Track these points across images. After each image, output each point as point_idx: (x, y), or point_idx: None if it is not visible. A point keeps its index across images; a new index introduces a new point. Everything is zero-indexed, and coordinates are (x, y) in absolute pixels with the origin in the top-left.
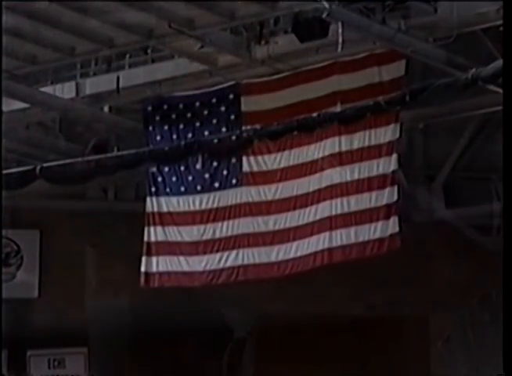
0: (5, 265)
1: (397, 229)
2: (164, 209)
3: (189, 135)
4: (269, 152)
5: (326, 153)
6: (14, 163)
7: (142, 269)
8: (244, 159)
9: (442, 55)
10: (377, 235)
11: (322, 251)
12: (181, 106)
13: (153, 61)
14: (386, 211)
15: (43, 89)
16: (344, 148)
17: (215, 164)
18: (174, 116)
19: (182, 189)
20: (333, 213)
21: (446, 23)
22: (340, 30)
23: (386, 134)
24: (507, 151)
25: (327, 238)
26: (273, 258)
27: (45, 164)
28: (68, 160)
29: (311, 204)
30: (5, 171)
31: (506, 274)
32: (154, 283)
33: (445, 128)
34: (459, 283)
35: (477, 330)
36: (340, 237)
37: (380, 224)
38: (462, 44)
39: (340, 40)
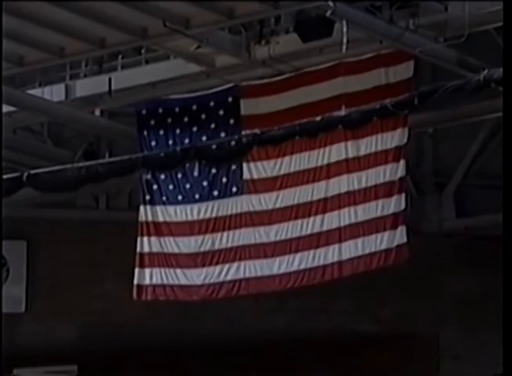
0: None
1: (404, 239)
2: (160, 219)
3: (186, 141)
4: (271, 158)
5: (332, 160)
6: None
7: (135, 281)
8: (244, 165)
9: (453, 55)
10: (384, 246)
11: (332, 264)
12: (177, 109)
13: (147, 62)
14: (393, 221)
15: (31, 92)
16: (350, 154)
17: (214, 171)
18: (169, 120)
19: (179, 197)
20: (342, 224)
21: (457, 21)
22: (344, 30)
23: (393, 139)
24: (507, 152)
25: (337, 250)
26: (275, 271)
27: (32, 171)
28: (57, 167)
29: (316, 213)
30: None
31: (506, 274)
32: (147, 296)
33: (456, 132)
34: (470, 296)
35: (490, 346)
36: (349, 249)
37: (386, 234)
38: (474, 44)
39: (345, 40)
